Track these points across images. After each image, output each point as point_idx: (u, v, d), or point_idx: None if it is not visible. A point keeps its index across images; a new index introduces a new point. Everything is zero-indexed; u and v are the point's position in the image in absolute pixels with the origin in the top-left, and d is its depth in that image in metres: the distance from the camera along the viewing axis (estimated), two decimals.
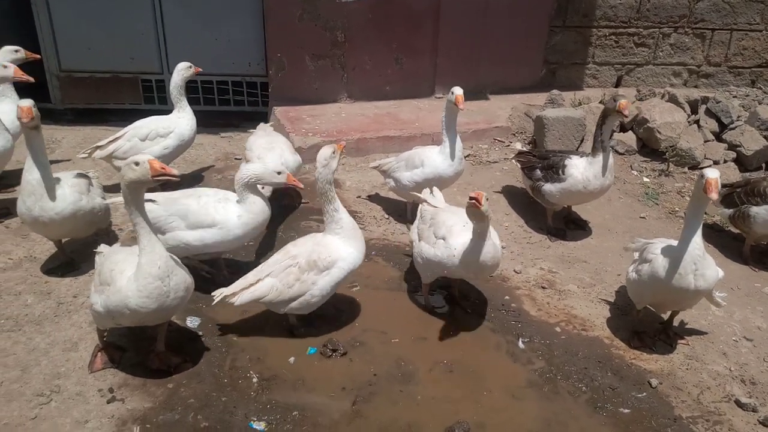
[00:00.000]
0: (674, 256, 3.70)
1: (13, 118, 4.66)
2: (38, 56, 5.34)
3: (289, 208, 5.75)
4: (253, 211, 4.17)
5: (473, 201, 3.47)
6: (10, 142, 5.18)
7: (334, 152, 3.85)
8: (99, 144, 5.53)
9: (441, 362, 3.89)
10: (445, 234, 4.02)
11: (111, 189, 5.57)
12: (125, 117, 7.60)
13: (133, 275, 3.22)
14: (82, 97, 7.74)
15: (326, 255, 3.85)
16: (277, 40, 7.54)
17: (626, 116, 4.85)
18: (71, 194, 4.21)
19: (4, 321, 3.94)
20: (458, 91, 4.96)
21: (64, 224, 4.24)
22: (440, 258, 4.00)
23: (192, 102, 7.87)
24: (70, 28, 7.35)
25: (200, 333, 3.97)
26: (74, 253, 4.70)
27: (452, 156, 5.15)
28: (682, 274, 3.65)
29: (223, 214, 4.11)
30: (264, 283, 3.81)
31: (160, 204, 4.10)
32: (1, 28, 7.93)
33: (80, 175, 4.45)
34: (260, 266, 3.94)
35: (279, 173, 4.22)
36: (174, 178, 3.17)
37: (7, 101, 5.46)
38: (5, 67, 5.35)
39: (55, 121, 7.52)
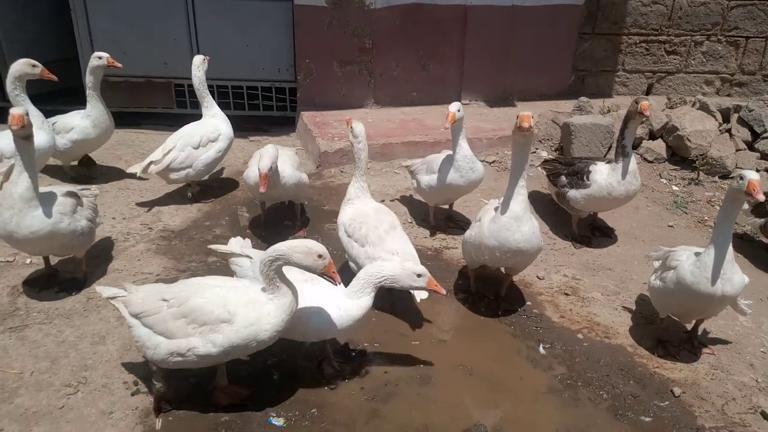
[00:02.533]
0: (701, 260, 3.63)
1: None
2: (54, 78, 5.43)
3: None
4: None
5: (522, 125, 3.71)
6: (53, 140, 5.33)
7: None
8: (152, 159, 5.58)
9: (460, 365, 3.89)
10: (482, 215, 4.23)
11: (146, 203, 5.72)
12: (157, 120, 7.87)
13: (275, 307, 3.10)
14: (116, 100, 7.94)
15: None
16: (306, 46, 7.66)
17: (646, 116, 4.78)
18: (52, 214, 3.95)
19: (36, 314, 4.08)
20: (453, 107, 4.87)
21: (38, 244, 4.02)
22: (475, 238, 4.16)
23: (223, 107, 8.04)
24: (107, 33, 7.59)
25: None
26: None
27: (459, 165, 5.07)
28: (708, 278, 3.58)
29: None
30: None
31: (253, 262, 3.64)
32: (41, 34, 8.26)
33: (69, 194, 4.19)
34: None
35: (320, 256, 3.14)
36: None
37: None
38: (34, 65, 5.37)
39: None
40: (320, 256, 3.06)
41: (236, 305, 3.07)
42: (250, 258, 3.72)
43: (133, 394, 3.45)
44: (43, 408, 3.33)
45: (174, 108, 8.03)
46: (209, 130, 5.78)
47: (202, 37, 7.70)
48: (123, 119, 7.87)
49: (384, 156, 6.93)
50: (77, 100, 7.97)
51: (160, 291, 3.26)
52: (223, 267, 4.75)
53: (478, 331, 4.25)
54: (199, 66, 6.00)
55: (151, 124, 7.83)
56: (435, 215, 5.63)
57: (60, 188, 4.26)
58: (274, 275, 3.08)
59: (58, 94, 8.34)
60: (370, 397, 3.56)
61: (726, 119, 7.26)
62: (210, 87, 7.86)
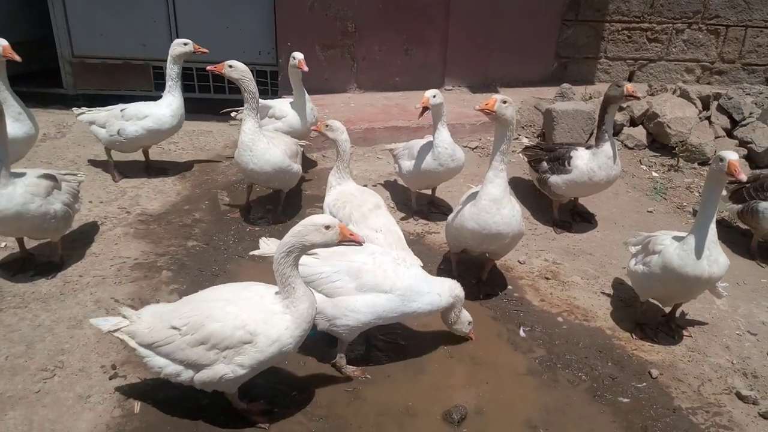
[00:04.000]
0: (687, 243, 3.66)
1: None
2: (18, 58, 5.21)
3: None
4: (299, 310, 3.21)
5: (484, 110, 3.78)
6: (33, 129, 5.18)
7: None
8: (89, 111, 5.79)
9: (441, 348, 3.90)
10: (464, 200, 4.25)
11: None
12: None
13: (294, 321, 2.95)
14: (94, 82, 7.82)
15: None
16: (287, 29, 7.56)
17: (637, 98, 4.83)
18: (22, 195, 3.87)
19: (11, 298, 4.01)
20: (429, 93, 4.89)
21: (7, 224, 3.94)
22: (456, 222, 4.18)
23: (202, 90, 7.99)
24: (84, 13, 7.43)
25: None
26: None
27: (438, 152, 5.06)
28: (696, 260, 3.61)
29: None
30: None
31: (323, 259, 3.49)
32: (15, 15, 8.06)
33: (45, 176, 4.08)
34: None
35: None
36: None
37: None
38: None
39: (67, 106, 7.57)
40: (327, 227, 2.87)
41: (255, 323, 2.88)
42: (317, 255, 3.48)
43: (111, 378, 3.40)
44: (19, 392, 3.27)
45: (152, 91, 7.89)
46: (141, 108, 5.65)
47: (181, 19, 7.57)
48: (101, 102, 7.70)
49: (366, 141, 6.89)
50: (52, 83, 7.85)
51: (167, 318, 2.99)
52: (202, 251, 4.72)
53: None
54: (175, 47, 5.72)
55: None
56: (417, 200, 5.62)
57: (37, 171, 4.16)
58: (291, 272, 2.91)
59: (32, 76, 8.18)
60: (351, 381, 3.56)
61: (706, 107, 7.34)
62: (188, 69, 7.81)
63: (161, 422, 3.17)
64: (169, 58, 5.65)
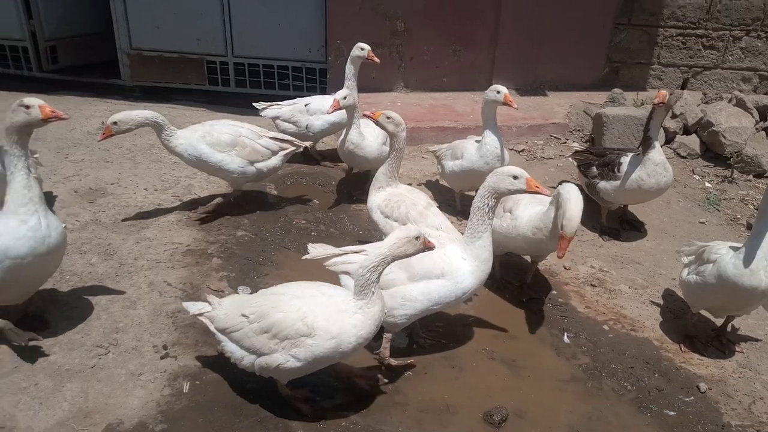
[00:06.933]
0: (745, 252, 3.56)
1: None
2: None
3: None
4: (482, 258, 3.50)
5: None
6: None
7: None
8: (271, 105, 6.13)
9: (483, 349, 3.90)
10: (512, 206, 4.19)
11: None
12: (189, 97, 7.95)
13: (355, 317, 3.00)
14: (150, 75, 8.05)
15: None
16: (337, 27, 7.64)
17: (661, 103, 4.69)
18: None
19: (69, 276, 4.17)
20: (504, 89, 4.88)
21: None
22: (506, 229, 4.17)
23: (253, 85, 8.15)
24: (142, 8, 7.66)
25: None
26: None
27: (486, 151, 5.03)
28: (753, 270, 3.51)
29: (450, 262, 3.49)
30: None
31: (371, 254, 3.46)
32: (78, 6, 8.38)
33: None
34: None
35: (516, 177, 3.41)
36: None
37: None
38: None
39: (124, 97, 7.87)
40: (417, 238, 3.02)
41: (316, 318, 2.95)
42: (365, 251, 3.53)
43: (162, 358, 3.52)
44: (75, 366, 3.41)
45: (206, 85, 8.10)
46: (324, 103, 5.86)
47: (236, 15, 7.73)
48: (156, 94, 7.98)
49: (412, 140, 6.89)
50: (111, 74, 8.13)
51: (241, 305, 3.16)
52: (250, 241, 4.82)
53: (501, 316, 4.23)
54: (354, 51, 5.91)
55: (184, 100, 7.90)
56: (461, 201, 5.61)
57: None
58: (376, 280, 2.99)
59: (92, 67, 8.51)
60: (392, 375, 3.58)
61: (763, 117, 7.11)
62: (240, 65, 7.98)
63: (208, 403, 3.26)
64: (348, 60, 5.90)
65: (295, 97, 6.37)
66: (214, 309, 3.23)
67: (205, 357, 3.56)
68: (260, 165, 5.04)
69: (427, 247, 3.08)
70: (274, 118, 6.14)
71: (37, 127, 3.31)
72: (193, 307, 3.31)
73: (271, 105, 6.16)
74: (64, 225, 3.52)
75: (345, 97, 4.99)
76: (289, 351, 2.98)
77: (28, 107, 3.22)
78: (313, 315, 2.96)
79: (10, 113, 3.23)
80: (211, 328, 3.21)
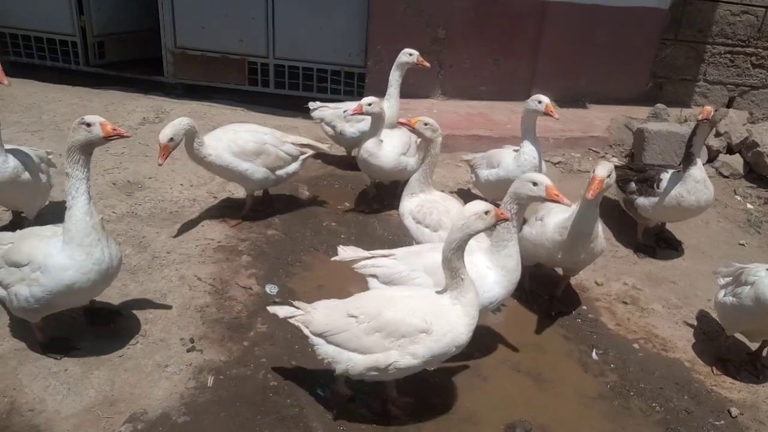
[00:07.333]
0: None
1: None
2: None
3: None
4: (508, 267, 3.48)
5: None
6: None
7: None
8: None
9: (508, 360, 3.85)
10: (544, 214, 4.19)
11: None
12: (229, 96, 8.09)
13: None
14: (192, 73, 8.21)
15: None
16: (379, 32, 7.67)
17: (705, 119, 4.55)
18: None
19: None
20: (546, 99, 4.79)
21: None
22: (536, 237, 4.17)
23: (291, 87, 8.24)
24: (188, 7, 7.81)
25: (278, 300, 4.12)
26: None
27: (523, 161, 4.94)
28: None
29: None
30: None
31: (399, 258, 3.57)
32: (128, 5, 8.62)
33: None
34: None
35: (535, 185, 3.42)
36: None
37: None
38: None
39: (165, 93, 8.04)
40: (487, 213, 2.96)
41: (430, 313, 2.97)
42: (394, 255, 3.58)
43: (188, 351, 3.57)
44: (104, 355, 3.48)
45: (246, 85, 8.21)
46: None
47: (279, 17, 7.83)
48: (196, 92, 8.14)
49: (446, 148, 6.81)
50: (155, 71, 8.33)
51: (343, 308, 3.11)
52: (280, 240, 4.86)
53: (528, 329, 4.17)
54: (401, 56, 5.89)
55: (223, 99, 8.04)
56: None
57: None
58: (459, 264, 2.97)
59: (136, 63, 8.73)
60: (416, 382, 3.56)
61: None
62: (281, 66, 8.09)
63: (231, 397, 3.29)
64: (394, 66, 5.89)
65: (334, 101, 6.41)
66: (308, 313, 3.17)
67: (230, 352, 3.60)
68: (281, 172, 5.01)
69: (501, 218, 3.05)
70: (320, 120, 6.19)
71: (99, 146, 3.25)
72: (281, 311, 3.23)
73: (321, 106, 6.19)
74: (118, 248, 3.51)
75: (370, 104, 4.91)
76: (407, 348, 2.94)
77: (89, 125, 3.13)
78: (429, 311, 2.96)
79: (71, 132, 3.14)
80: (306, 331, 3.13)
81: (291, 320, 3.19)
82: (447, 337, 2.95)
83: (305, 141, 5.26)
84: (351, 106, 6.07)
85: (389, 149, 5.20)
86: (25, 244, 3.26)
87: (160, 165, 4.35)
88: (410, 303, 3.02)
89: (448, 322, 2.97)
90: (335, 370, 3.10)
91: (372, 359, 2.97)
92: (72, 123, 3.18)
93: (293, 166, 5.11)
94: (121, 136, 3.23)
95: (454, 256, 2.96)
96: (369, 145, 5.13)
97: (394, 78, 5.90)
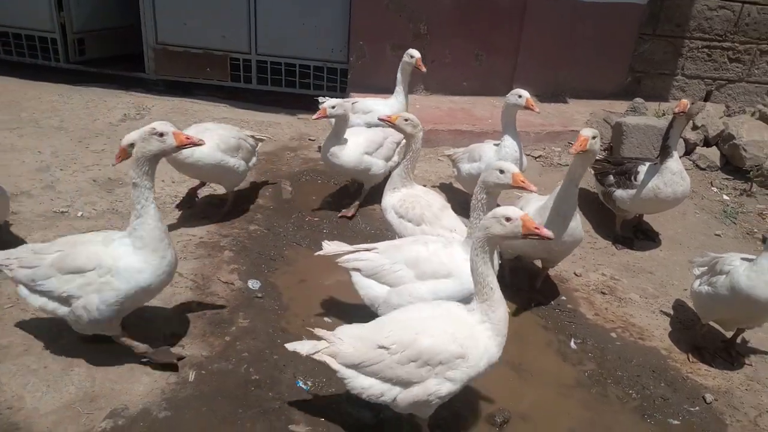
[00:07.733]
0: (759, 264, 3.53)
1: None
2: None
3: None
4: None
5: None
6: None
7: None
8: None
9: None
10: (523, 205, 4.24)
11: None
12: (211, 92, 8.06)
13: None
14: (173, 69, 8.17)
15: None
16: (361, 28, 7.69)
17: (682, 112, 4.62)
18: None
19: None
20: (526, 93, 4.87)
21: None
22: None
23: (274, 83, 8.23)
24: (169, 3, 7.77)
25: (260, 295, 4.15)
26: None
27: (504, 154, 4.98)
28: (766, 282, 3.48)
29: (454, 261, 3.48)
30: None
31: (381, 252, 3.61)
32: (106, 1, 8.55)
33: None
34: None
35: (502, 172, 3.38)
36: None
37: None
38: None
39: (147, 90, 7.99)
40: (509, 219, 2.78)
41: (464, 338, 2.82)
42: (376, 249, 3.61)
43: (170, 346, 3.57)
44: (83, 351, 3.47)
45: (228, 81, 8.20)
46: (369, 104, 6.08)
47: (261, 13, 7.81)
48: (178, 89, 8.10)
49: (428, 143, 6.90)
50: (136, 67, 8.27)
51: (371, 338, 2.90)
52: (263, 235, 4.87)
53: (509, 320, 4.19)
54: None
55: (205, 95, 8.02)
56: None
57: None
58: (486, 270, 2.84)
59: (117, 60, 8.67)
60: None
61: None
62: (263, 62, 8.07)
63: (213, 392, 3.30)
64: (399, 68, 6.00)
65: (317, 97, 6.40)
66: (333, 344, 2.94)
67: (212, 347, 3.61)
68: (250, 164, 5.11)
69: (532, 233, 2.78)
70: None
71: (169, 155, 3.17)
72: (303, 347, 2.98)
73: (329, 101, 6.13)
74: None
75: (333, 107, 4.87)
76: (444, 375, 2.81)
77: (162, 135, 3.07)
78: (462, 335, 2.82)
79: (141, 142, 3.06)
80: (334, 366, 2.91)
81: (315, 356, 2.93)
82: (483, 360, 2.85)
83: (249, 132, 5.31)
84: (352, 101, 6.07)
85: (352, 149, 5.14)
86: (83, 250, 3.18)
87: (114, 165, 4.26)
88: (441, 326, 2.86)
89: (483, 345, 2.84)
90: (374, 403, 2.95)
91: (412, 394, 2.83)
92: (134, 132, 3.07)
93: (254, 158, 5.20)
94: (195, 144, 3.21)
95: (478, 258, 2.84)
96: (330, 144, 5.09)
97: (400, 80, 6.02)
